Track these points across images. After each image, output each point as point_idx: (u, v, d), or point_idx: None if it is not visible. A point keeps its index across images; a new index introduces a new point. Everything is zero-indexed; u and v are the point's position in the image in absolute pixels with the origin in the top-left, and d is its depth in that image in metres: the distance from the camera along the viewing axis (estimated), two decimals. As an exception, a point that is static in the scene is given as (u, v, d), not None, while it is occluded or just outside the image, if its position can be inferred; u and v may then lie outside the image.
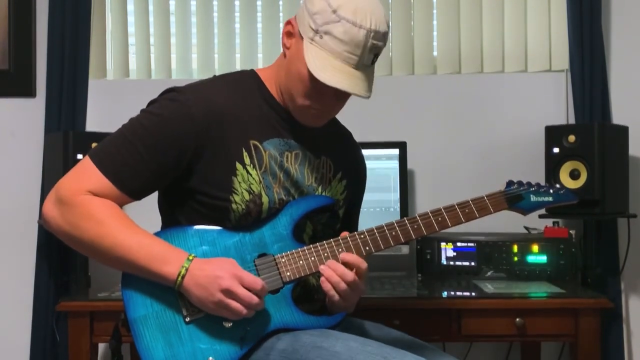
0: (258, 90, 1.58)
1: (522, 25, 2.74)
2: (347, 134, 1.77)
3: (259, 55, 2.78)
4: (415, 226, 1.54)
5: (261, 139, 1.54)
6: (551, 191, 1.60)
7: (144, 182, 1.49)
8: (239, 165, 1.51)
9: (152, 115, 1.50)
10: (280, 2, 2.77)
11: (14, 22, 2.73)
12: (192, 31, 2.79)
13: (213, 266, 1.41)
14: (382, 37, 1.47)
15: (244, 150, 1.52)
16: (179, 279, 1.41)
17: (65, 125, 2.62)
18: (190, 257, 1.42)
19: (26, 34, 2.73)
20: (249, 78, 1.60)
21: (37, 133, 2.68)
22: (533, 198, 1.59)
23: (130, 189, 1.47)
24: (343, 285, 1.46)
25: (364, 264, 1.49)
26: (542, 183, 1.64)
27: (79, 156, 2.37)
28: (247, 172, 1.52)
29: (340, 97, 1.51)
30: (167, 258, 1.42)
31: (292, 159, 1.58)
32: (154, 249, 1.42)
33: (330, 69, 1.44)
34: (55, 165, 2.43)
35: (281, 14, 2.78)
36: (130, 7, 2.77)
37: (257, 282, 1.41)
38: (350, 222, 1.75)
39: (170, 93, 1.52)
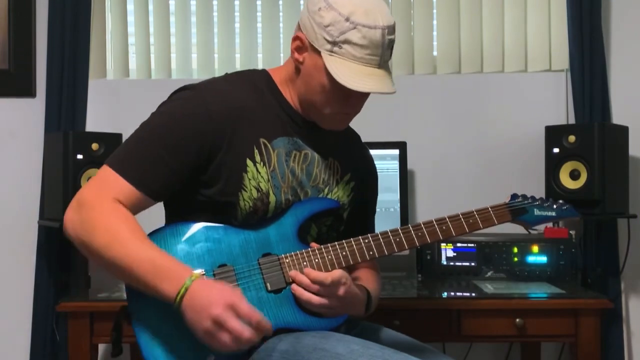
0: (269, 89, 1.58)
1: (522, 25, 2.74)
2: (355, 136, 1.77)
3: (258, 55, 2.78)
4: (420, 234, 1.54)
5: (270, 137, 1.55)
6: (554, 206, 1.61)
7: (167, 183, 1.48)
8: (249, 162, 1.52)
9: (167, 116, 1.49)
10: (280, 2, 2.77)
11: (14, 22, 2.72)
12: (192, 31, 2.79)
13: (211, 291, 1.35)
14: (393, 29, 1.49)
15: (254, 148, 1.52)
16: (178, 298, 1.35)
17: (65, 125, 2.62)
18: (193, 277, 1.36)
19: (26, 34, 2.73)
20: (260, 77, 1.60)
21: (37, 133, 2.68)
22: (536, 212, 1.59)
23: (153, 190, 1.46)
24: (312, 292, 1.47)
25: (327, 280, 1.46)
26: (545, 197, 1.64)
27: (79, 156, 2.38)
28: (257, 169, 1.52)
29: (365, 96, 1.53)
30: (169, 275, 1.37)
31: (300, 159, 1.59)
32: (159, 264, 1.38)
33: (357, 75, 1.45)
34: (55, 165, 2.43)
35: (281, 14, 2.78)
36: (130, 7, 2.77)
37: (254, 314, 1.33)
38: (363, 223, 1.74)
39: (184, 92, 1.52)
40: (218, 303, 1.32)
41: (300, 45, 1.52)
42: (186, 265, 1.41)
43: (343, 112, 1.55)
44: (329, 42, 1.46)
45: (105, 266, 1.43)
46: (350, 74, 1.45)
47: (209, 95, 1.50)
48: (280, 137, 1.56)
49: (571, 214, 1.62)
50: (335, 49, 1.46)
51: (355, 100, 1.53)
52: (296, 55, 1.53)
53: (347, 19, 1.44)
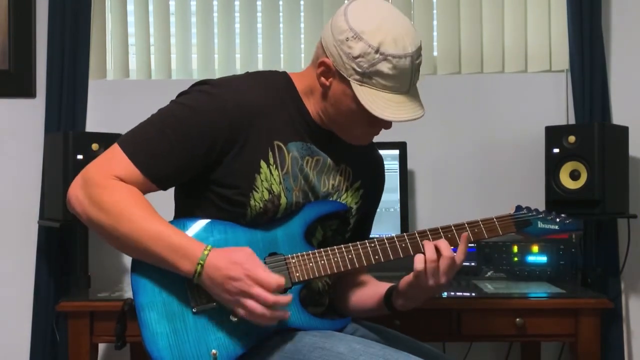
0: (288, 93, 1.57)
1: (522, 25, 2.74)
2: (371, 144, 1.75)
3: (259, 55, 2.78)
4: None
5: (285, 140, 1.54)
6: (558, 220, 1.61)
7: (172, 172, 1.49)
8: (263, 164, 1.51)
9: (184, 107, 1.50)
10: (280, 3, 2.77)
11: (14, 22, 2.72)
12: (192, 31, 2.78)
13: (227, 264, 1.39)
14: (420, 51, 1.49)
15: (269, 149, 1.52)
16: (196, 276, 1.40)
17: (65, 126, 2.62)
18: (206, 252, 1.40)
19: (26, 34, 2.73)
20: (281, 80, 1.59)
21: (37, 133, 2.67)
22: (540, 225, 1.59)
23: (157, 177, 1.47)
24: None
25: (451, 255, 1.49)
26: (549, 210, 1.65)
27: (79, 156, 2.37)
28: (270, 171, 1.52)
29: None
30: (183, 253, 1.40)
31: (312, 164, 1.58)
32: (172, 241, 1.41)
33: (388, 104, 1.46)
34: (55, 165, 2.43)
35: (281, 15, 2.77)
36: (130, 7, 2.77)
37: (270, 281, 1.38)
38: (362, 230, 1.74)
39: (203, 85, 1.53)
40: (236, 276, 1.37)
41: (326, 70, 1.50)
42: (196, 240, 1.44)
43: (372, 132, 1.57)
44: (358, 73, 1.45)
45: (116, 242, 1.45)
46: (382, 103, 1.46)
47: (226, 93, 1.50)
48: (294, 142, 1.56)
49: (574, 228, 1.62)
50: (365, 79, 1.46)
51: (383, 123, 1.53)
52: (322, 79, 1.52)
53: (377, 51, 1.43)
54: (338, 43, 1.47)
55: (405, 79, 1.47)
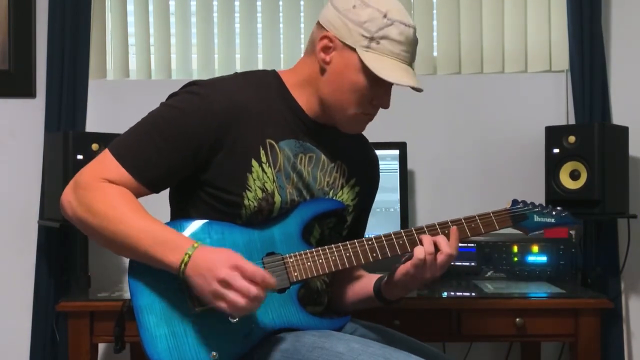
0: (279, 91, 1.58)
1: (522, 25, 2.74)
2: (365, 141, 1.76)
3: (259, 55, 2.78)
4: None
5: (277, 138, 1.55)
6: (554, 213, 1.62)
7: (162, 175, 1.49)
8: (254, 163, 1.52)
9: (172, 109, 1.50)
10: (280, 3, 2.78)
11: (14, 22, 2.72)
12: (192, 31, 2.79)
13: (215, 255, 1.37)
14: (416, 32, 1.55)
15: (260, 148, 1.53)
16: (182, 266, 1.38)
17: (65, 126, 2.62)
18: (195, 245, 1.39)
19: (26, 34, 2.73)
20: (270, 78, 1.60)
21: (37, 133, 2.67)
22: (536, 218, 1.61)
23: (148, 180, 1.48)
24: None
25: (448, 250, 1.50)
26: (546, 204, 1.65)
27: (79, 156, 2.37)
28: (263, 170, 1.52)
29: (389, 96, 1.56)
30: (172, 246, 1.40)
31: (306, 162, 1.59)
32: (161, 235, 1.41)
33: (394, 69, 1.49)
34: (55, 165, 2.43)
35: (281, 15, 2.78)
36: (130, 7, 2.77)
37: (257, 273, 1.35)
38: (357, 227, 1.74)
39: (192, 87, 1.53)
40: (223, 265, 1.34)
41: (329, 44, 1.52)
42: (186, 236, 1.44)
43: (366, 112, 1.57)
44: (366, 37, 1.48)
45: (106, 243, 1.45)
46: (388, 68, 1.48)
47: (215, 93, 1.50)
48: (287, 139, 1.56)
49: (570, 222, 1.63)
50: (373, 44, 1.48)
51: (383, 99, 1.55)
52: (322, 55, 1.53)
53: (385, 16, 1.47)
54: (343, 13, 1.50)
55: (410, 48, 1.51)
